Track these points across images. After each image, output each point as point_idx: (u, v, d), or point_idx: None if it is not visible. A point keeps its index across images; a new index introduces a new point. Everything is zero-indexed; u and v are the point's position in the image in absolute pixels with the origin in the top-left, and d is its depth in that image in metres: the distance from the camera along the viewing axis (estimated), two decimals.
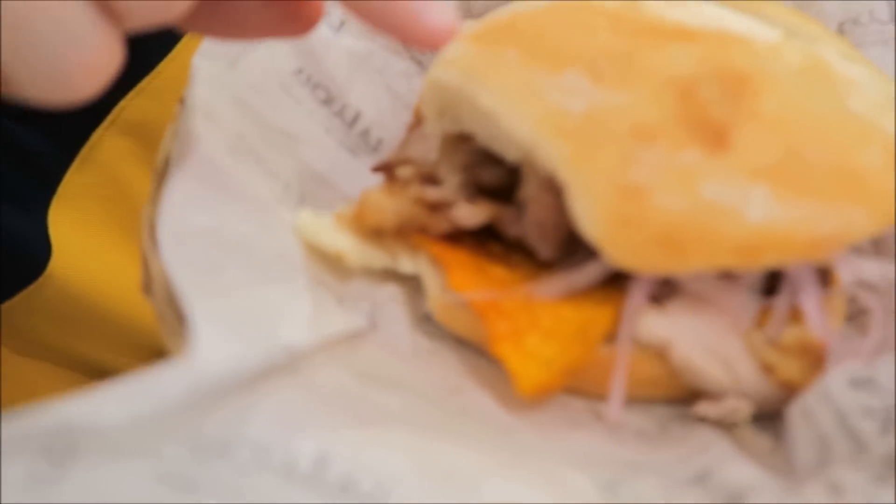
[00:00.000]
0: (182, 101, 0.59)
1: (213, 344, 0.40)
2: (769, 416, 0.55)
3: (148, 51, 0.79)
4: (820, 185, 0.48)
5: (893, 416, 0.40)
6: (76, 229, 0.82)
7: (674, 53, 0.51)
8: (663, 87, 0.49)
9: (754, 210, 0.47)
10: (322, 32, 0.69)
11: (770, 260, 0.48)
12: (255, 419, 0.40)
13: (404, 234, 0.62)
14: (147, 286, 0.53)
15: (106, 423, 0.36)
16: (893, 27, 0.65)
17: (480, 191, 0.60)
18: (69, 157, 0.81)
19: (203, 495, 0.37)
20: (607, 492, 0.41)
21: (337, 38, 0.71)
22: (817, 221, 0.47)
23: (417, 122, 0.72)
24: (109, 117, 0.80)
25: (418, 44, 0.49)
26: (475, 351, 0.63)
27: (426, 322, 0.66)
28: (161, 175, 0.57)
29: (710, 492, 0.44)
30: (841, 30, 0.69)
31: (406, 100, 0.77)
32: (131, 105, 0.81)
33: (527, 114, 0.51)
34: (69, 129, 0.81)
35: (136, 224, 0.56)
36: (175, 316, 0.51)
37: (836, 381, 0.42)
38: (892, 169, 0.49)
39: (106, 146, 0.82)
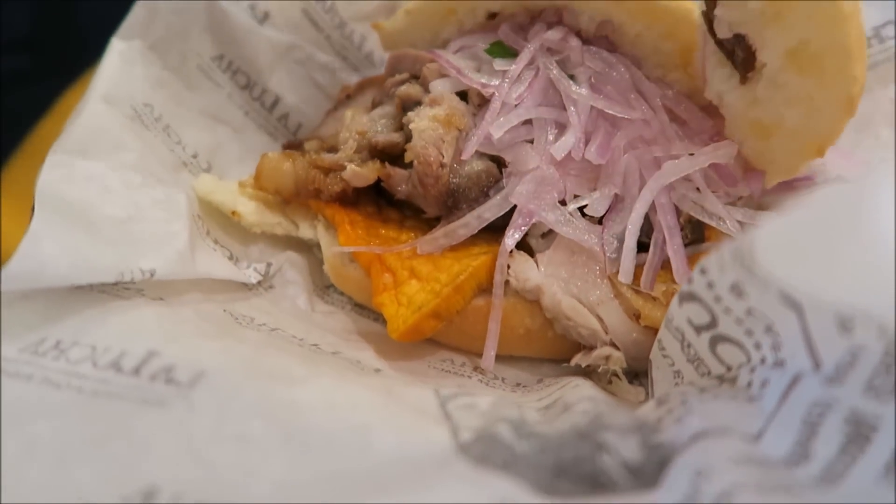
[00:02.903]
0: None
1: (61, 248, 0.42)
2: (645, 373, 0.55)
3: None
4: None
5: (719, 329, 0.40)
6: None
7: None
8: None
9: None
10: (245, 22, 0.72)
11: None
12: (95, 328, 0.42)
13: (302, 199, 0.63)
14: None
15: None
16: None
17: (375, 155, 0.62)
18: None
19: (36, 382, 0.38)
20: (444, 401, 0.42)
21: (260, 29, 0.74)
22: None
23: (335, 106, 0.75)
24: None
25: None
26: (371, 315, 0.64)
27: (327, 291, 0.67)
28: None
29: (552, 408, 0.44)
30: None
31: (328, 91, 0.80)
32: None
33: None
34: None
35: None
36: None
37: (672, 302, 0.43)
38: None
39: None
